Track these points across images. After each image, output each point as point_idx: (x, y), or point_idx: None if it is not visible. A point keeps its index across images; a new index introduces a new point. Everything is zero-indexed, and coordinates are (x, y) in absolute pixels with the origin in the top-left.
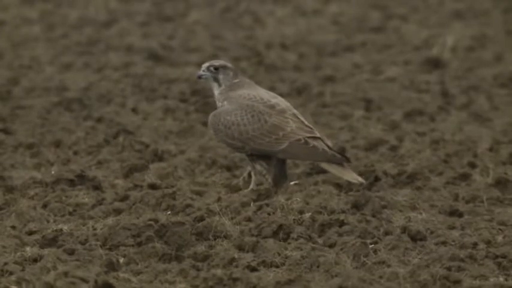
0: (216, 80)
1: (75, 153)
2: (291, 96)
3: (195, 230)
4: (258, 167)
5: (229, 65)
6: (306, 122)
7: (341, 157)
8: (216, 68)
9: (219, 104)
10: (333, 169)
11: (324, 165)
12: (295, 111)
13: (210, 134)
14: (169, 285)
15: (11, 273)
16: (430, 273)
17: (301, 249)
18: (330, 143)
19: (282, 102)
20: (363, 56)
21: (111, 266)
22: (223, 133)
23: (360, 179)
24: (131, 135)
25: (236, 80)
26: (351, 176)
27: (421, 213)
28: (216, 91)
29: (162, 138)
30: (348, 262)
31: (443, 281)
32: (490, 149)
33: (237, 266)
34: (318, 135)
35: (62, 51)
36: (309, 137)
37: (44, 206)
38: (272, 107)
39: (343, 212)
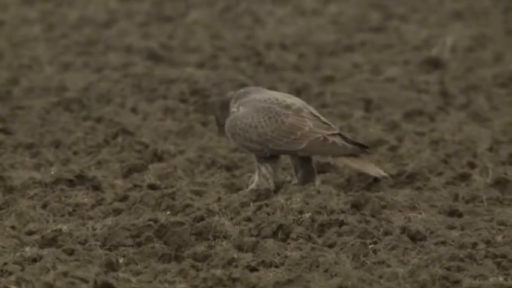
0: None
1: (75, 153)
2: None
3: (194, 230)
4: (263, 169)
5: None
6: (323, 119)
7: (361, 149)
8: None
9: (234, 110)
10: (356, 164)
11: (346, 161)
12: (311, 108)
13: (210, 135)
14: (169, 285)
15: (10, 273)
16: (429, 273)
17: (301, 249)
18: (349, 137)
19: (297, 102)
20: (362, 56)
21: (111, 266)
22: (241, 137)
23: (383, 173)
24: (131, 136)
25: (242, 90)
26: (374, 170)
27: (420, 213)
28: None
29: (161, 139)
30: (348, 262)
31: (443, 281)
32: (490, 149)
33: (236, 266)
34: (336, 131)
35: (61, 51)
36: (328, 135)
37: (44, 206)
38: (288, 107)
39: (343, 212)
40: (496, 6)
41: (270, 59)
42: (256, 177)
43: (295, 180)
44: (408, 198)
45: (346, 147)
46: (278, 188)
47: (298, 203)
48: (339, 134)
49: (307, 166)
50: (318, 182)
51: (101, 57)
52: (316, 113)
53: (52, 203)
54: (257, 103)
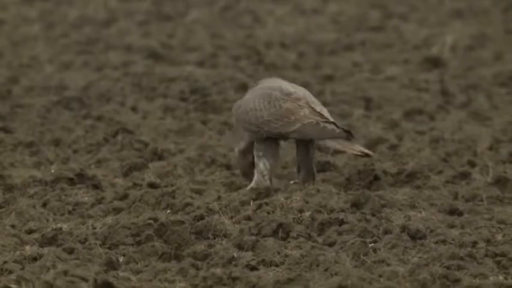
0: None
1: (75, 151)
2: None
3: (194, 228)
4: (261, 165)
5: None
6: (319, 109)
7: (348, 133)
8: None
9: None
10: (340, 145)
11: (331, 143)
12: (313, 99)
13: (210, 134)
14: (169, 284)
15: (10, 272)
16: (429, 272)
17: (301, 248)
18: (341, 126)
19: (300, 91)
20: (362, 55)
21: (111, 265)
22: (242, 119)
23: (367, 151)
24: (131, 134)
25: (260, 81)
26: (358, 149)
27: (420, 212)
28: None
29: (161, 137)
30: (348, 261)
31: (443, 280)
32: (490, 148)
33: (236, 265)
34: (330, 120)
35: (61, 50)
36: (320, 121)
37: (44, 204)
38: (289, 94)
39: (343, 210)
40: (496, 5)
41: (270, 58)
42: (255, 175)
43: (297, 179)
44: (408, 197)
45: (334, 130)
46: (278, 186)
47: (298, 202)
48: (333, 123)
49: (308, 165)
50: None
51: (101, 56)
52: (317, 105)
53: (52, 202)
54: (261, 90)
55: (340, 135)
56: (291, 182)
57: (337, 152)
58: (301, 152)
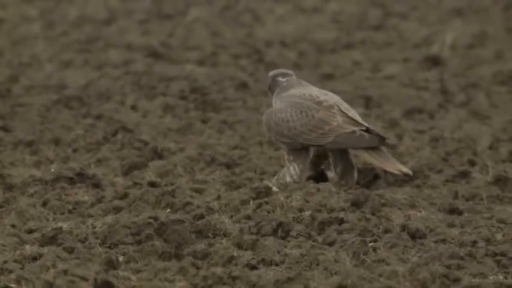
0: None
1: (75, 150)
2: None
3: (194, 228)
4: (291, 169)
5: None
6: (352, 115)
7: (379, 139)
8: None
9: (273, 104)
10: (376, 160)
11: (367, 157)
12: (344, 105)
13: (210, 133)
14: (169, 283)
15: (10, 272)
16: (429, 271)
17: (301, 247)
18: (380, 133)
19: (331, 99)
20: (362, 53)
21: (111, 264)
22: (274, 130)
23: (405, 170)
24: (130, 133)
25: (285, 79)
26: (396, 167)
27: (420, 211)
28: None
29: (161, 136)
30: (348, 260)
31: (443, 279)
32: (490, 147)
33: (236, 264)
34: (365, 125)
35: (61, 49)
36: (356, 129)
37: (44, 204)
38: (320, 103)
39: (343, 210)
40: (496, 3)
41: (270, 57)
42: (287, 178)
43: (334, 175)
44: (408, 196)
45: (363, 136)
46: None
47: (298, 201)
48: (367, 130)
49: (345, 160)
50: (356, 175)
51: (101, 55)
52: (349, 111)
53: (52, 201)
54: (292, 98)
55: (372, 142)
56: (330, 176)
57: (373, 167)
58: (336, 150)
